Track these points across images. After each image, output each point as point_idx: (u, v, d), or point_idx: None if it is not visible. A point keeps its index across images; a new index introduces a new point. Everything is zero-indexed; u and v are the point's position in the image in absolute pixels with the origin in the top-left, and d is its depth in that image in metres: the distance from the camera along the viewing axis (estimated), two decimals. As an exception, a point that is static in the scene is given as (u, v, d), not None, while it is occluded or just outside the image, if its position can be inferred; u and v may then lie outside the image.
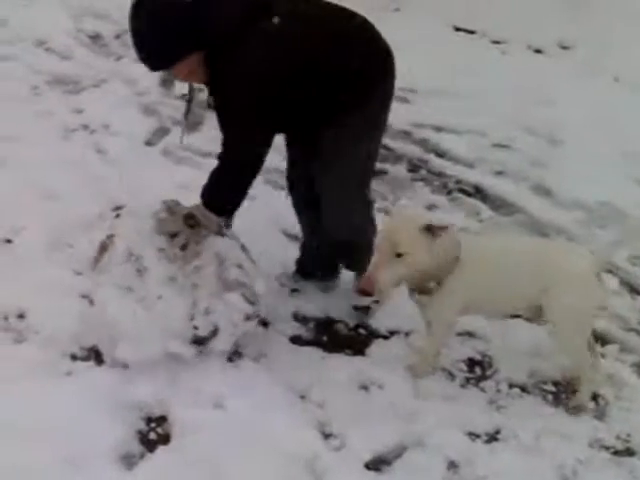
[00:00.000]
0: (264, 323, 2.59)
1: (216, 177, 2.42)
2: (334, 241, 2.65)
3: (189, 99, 2.55)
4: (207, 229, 2.44)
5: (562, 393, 2.56)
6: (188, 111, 2.58)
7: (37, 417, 2.19)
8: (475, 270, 2.33)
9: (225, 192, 2.44)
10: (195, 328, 2.37)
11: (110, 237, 2.48)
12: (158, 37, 2.25)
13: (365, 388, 2.49)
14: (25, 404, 2.22)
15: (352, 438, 2.28)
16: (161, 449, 2.20)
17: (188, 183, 3.32)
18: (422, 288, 2.39)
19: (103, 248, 2.48)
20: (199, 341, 2.40)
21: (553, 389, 2.57)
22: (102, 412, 2.24)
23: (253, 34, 2.25)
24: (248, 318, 2.45)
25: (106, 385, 2.33)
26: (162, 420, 2.29)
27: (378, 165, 3.77)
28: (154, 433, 2.26)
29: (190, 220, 2.44)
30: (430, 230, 2.21)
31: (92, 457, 2.11)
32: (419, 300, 2.44)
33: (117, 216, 2.59)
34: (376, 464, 2.24)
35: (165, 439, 2.24)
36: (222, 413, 2.30)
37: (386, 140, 4.02)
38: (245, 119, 2.32)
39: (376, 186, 3.56)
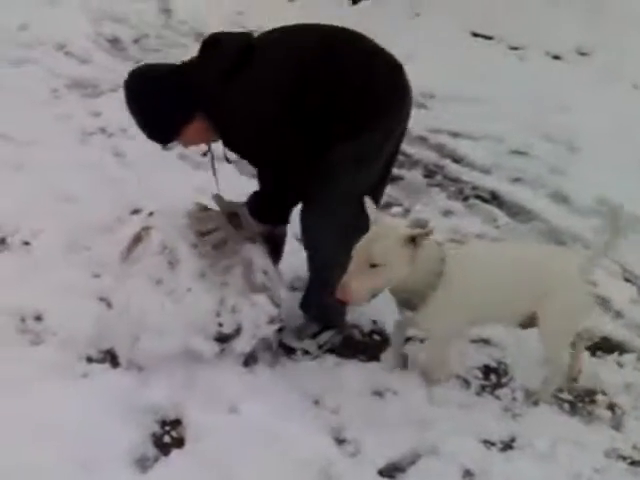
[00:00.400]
0: (279, 329, 2.58)
1: (260, 195, 2.44)
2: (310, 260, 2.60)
3: (211, 158, 2.55)
4: (244, 231, 2.48)
5: (578, 402, 2.54)
6: (214, 168, 2.58)
7: (52, 419, 2.20)
8: (460, 287, 2.26)
9: (268, 209, 2.45)
10: (220, 325, 2.39)
11: (146, 229, 2.51)
12: (155, 111, 2.28)
13: (379, 394, 2.48)
14: (40, 406, 2.23)
15: (366, 444, 2.27)
16: (175, 453, 2.20)
17: (205, 187, 3.33)
18: (404, 302, 2.35)
19: (137, 239, 2.51)
20: (222, 339, 2.41)
21: (569, 397, 2.55)
22: (117, 415, 2.24)
23: (245, 72, 2.23)
24: (272, 321, 2.47)
25: (121, 388, 2.34)
26: (177, 423, 2.30)
27: (395, 170, 3.79)
28: (168, 436, 2.26)
29: (234, 218, 2.48)
30: (413, 240, 2.12)
31: (106, 460, 2.11)
32: (406, 315, 2.40)
33: (150, 214, 2.62)
34: (390, 471, 2.22)
35: (179, 443, 2.24)
36: (237, 418, 2.30)
37: (403, 145, 4.02)
38: (267, 145, 2.29)
39: (392, 191, 3.58)
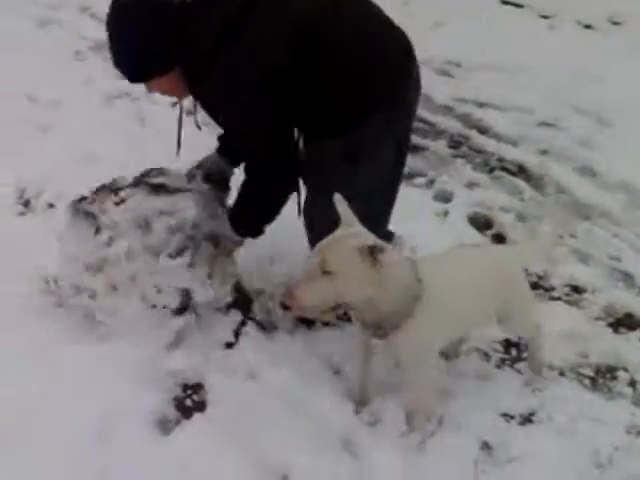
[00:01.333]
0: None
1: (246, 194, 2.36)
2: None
3: (180, 111, 2.45)
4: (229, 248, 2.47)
5: (599, 378, 2.52)
6: (180, 122, 2.48)
7: (75, 381, 2.23)
8: (441, 310, 2.01)
9: (254, 210, 2.39)
10: (165, 307, 2.40)
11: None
12: (133, 48, 2.12)
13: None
14: (64, 368, 2.26)
15: (385, 414, 2.27)
16: (197, 416, 2.23)
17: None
18: (371, 329, 2.07)
19: None
20: (182, 309, 2.42)
21: (590, 373, 2.53)
22: (139, 378, 2.27)
23: (233, 42, 2.08)
24: (190, 265, 2.40)
25: (144, 351, 2.36)
26: (198, 387, 2.32)
27: (419, 140, 3.74)
28: (190, 400, 2.29)
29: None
30: (372, 253, 1.81)
31: (128, 422, 2.15)
32: (367, 343, 2.23)
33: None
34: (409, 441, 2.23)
35: (201, 406, 2.27)
36: (256, 384, 2.32)
37: (427, 115, 3.97)
38: (251, 118, 2.19)
39: (416, 162, 3.54)
